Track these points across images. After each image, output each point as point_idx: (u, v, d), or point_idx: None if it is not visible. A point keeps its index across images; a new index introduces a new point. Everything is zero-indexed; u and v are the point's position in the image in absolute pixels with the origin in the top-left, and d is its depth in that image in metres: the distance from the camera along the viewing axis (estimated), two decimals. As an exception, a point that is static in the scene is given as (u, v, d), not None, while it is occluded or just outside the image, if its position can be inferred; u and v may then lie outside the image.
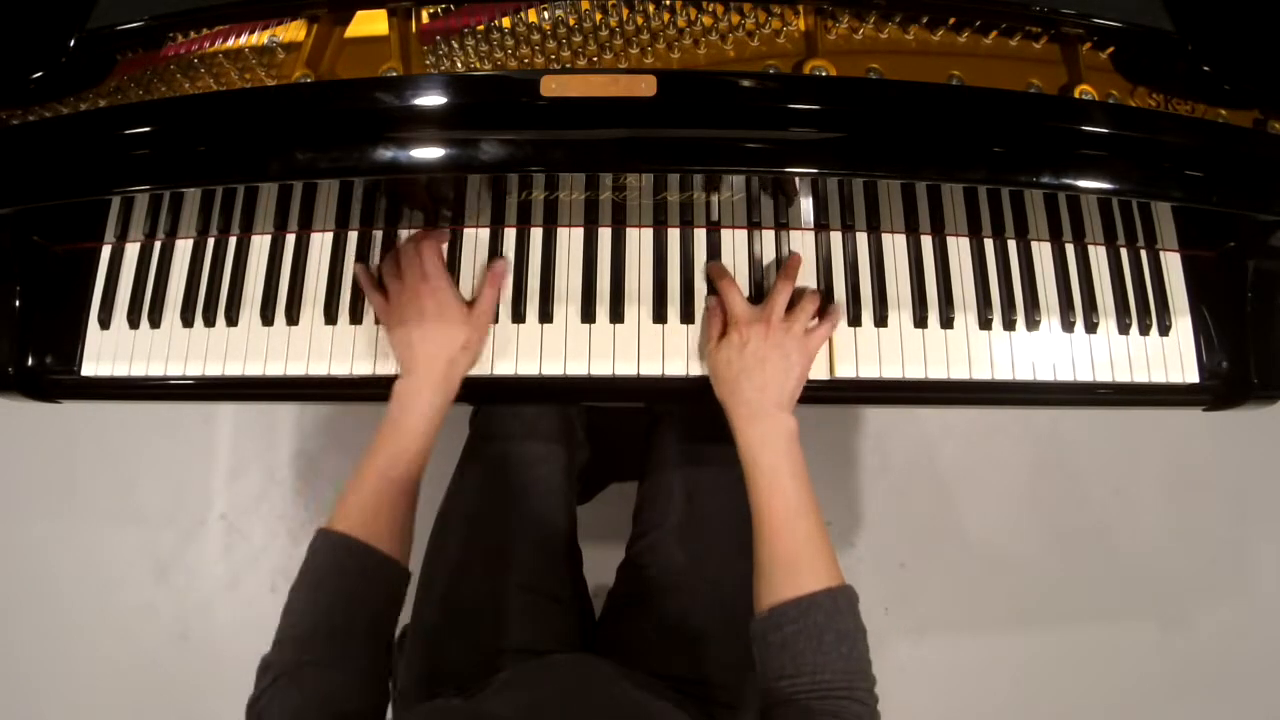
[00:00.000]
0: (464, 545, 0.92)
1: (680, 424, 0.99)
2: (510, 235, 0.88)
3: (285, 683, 0.65)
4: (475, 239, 0.88)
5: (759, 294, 0.85)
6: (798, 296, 0.83)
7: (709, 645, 0.86)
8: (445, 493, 0.98)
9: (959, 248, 0.87)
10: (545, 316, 0.85)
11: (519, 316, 0.85)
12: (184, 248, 0.90)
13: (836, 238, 0.87)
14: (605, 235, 0.87)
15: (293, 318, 0.87)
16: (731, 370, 0.77)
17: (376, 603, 0.71)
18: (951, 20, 0.79)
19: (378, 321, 0.86)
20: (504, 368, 0.84)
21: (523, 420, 0.98)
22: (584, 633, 0.93)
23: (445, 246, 0.86)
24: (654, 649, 0.87)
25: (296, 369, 0.86)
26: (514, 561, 0.90)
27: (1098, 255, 0.88)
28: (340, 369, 0.86)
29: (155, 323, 0.88)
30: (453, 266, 0.86)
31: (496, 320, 0.85)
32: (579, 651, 0.90)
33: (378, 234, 0.89)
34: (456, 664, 0.85)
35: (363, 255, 0.88)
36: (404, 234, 0.89)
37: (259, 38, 0.82)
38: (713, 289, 0.85)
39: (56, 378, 0.89)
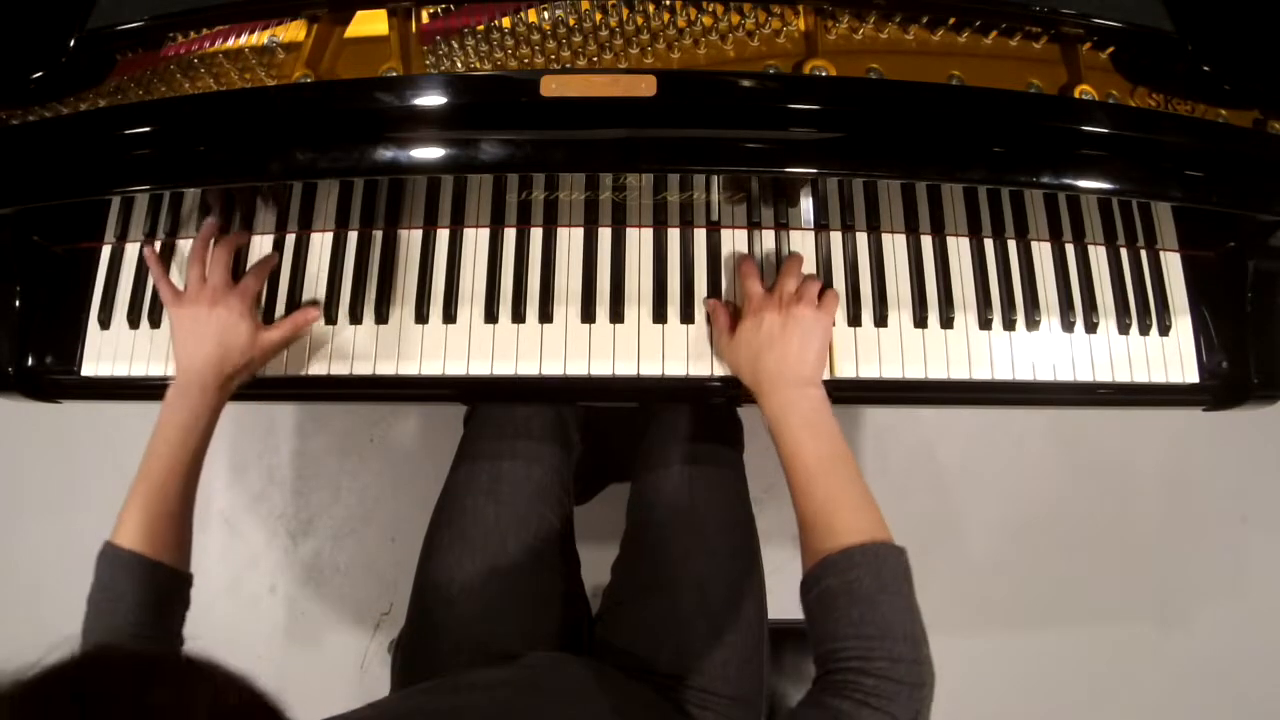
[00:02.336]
0: (458, 546, 0.91)
1: (672, 423, 0.99)
2: (510, 235, 0.88)
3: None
4: (475, 239, 0.88)
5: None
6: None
7: (695, 644, 0.86)
8: (440, 493, 0.98)
9: (959, 248, 0.87)
10: (545, 316, 0.85)
11: (519, 316, 0.85)
12: (184, 248, 0.90)
13: (836, 238, 0.87)
14: (605, 235, 0.87)
15: (293, 318, 0.87)
16: (751, 348, 0.77)
17: (167, 612, 0.72)
18: (951, 20, 0.79)
19: (377, 321, 0.86)
20: (504, 368, 0.84)
21: (516, 420, 0.98)
22: (580, 633, 0.93)
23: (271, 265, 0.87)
24: (643, 646, 0.87)
25: (296, 369, 0.86)
26: (508, 562, 0.90)
27: (1098, 255, 0.88)
28: (340, 369, 0.86)
29: (155, 323, 0.88)
30: (452, 266, 0.86)
31: (496, 321, 0.85)
32: (573, 653, 0.90)
33: (378, 234, 0.89)
34: (449, 667, 0.85)
35: (363, 254, 0.88)
36: (404, 234, 0.89)
37: (259, 38, 0.82)
38: (711, 293, 0.85)
39: (56, 378, 0.89)
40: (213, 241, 0.86)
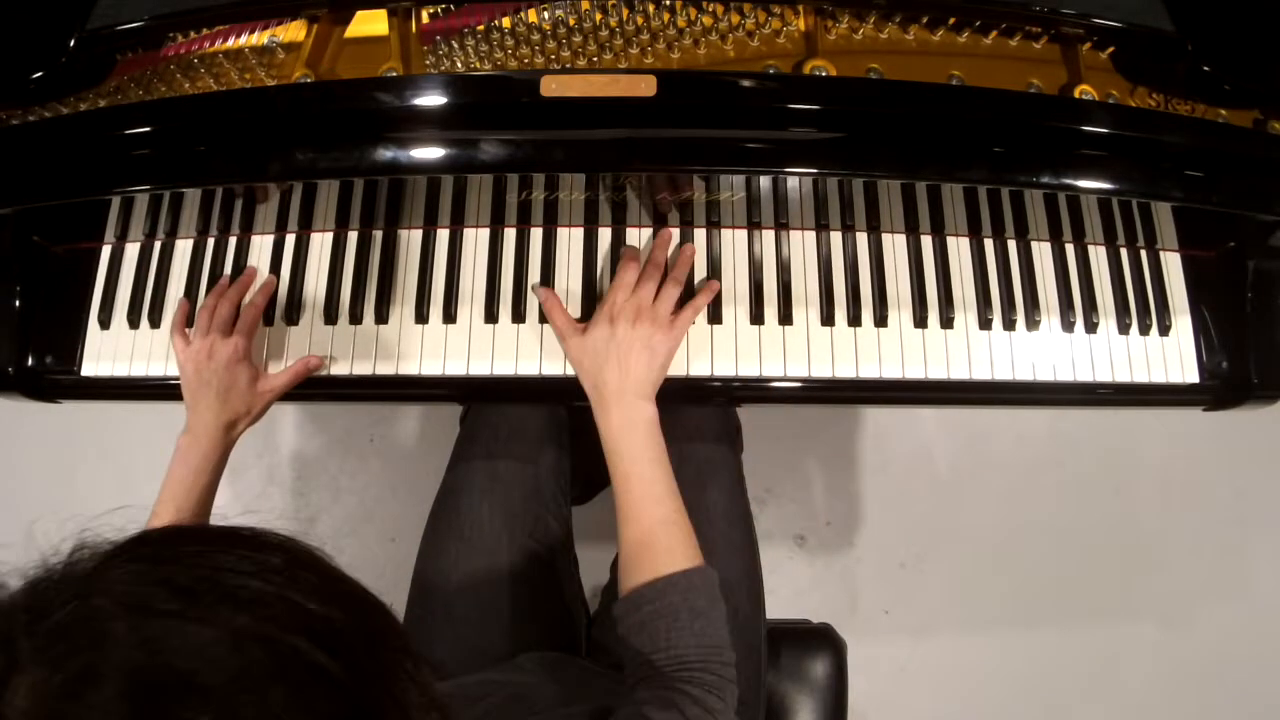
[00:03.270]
0: (455, 547, 0.91)
1: (673, 423, 0.99)
2: (510, 235, 0.88)
3: None
4: (475, 239, 0.88)
5: (758, 293, 0.85)
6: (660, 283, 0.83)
7: None
8: (437, 493, 0.98)
9: (959, 248, 0.87)
10: (546, 317, 0.85)
11: (519, 316, 0.85)
12: (184, 248, 0.90)
13: (836, 238, 0.87)
14: (605, 235, 0.87)
15: (292, 318, 0.87)
16: (597, 359, 0.78)
17: None
18: (951, 20, 0.79)
19: (376, 321, 0.86)
20: (504, 368, 0.84)
21: (513, 421, 0.97)
22: (578, 633, 0.93)
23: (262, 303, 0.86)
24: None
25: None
26: (505, 563, 0.90)
27: (1098, 255, 0.88)
28: (340, 369, 0.86)
29: (155, 323, 0.88)
30: (452, 266, 0.86)
31: (496, 321, 0.85)
32: (571, 653, 0.90)
33: (378, 234, 0.89)
34: (449, 666, 0.85)
35: (363, 254, 0.88)
36: (404, 234, 0.89)
37: (259, 38, 0.82)
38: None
39: (56, 378, 0.89)
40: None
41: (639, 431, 0.76)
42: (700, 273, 0.86)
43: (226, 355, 0.81)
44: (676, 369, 0.83)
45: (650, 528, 0.72)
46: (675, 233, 0.86)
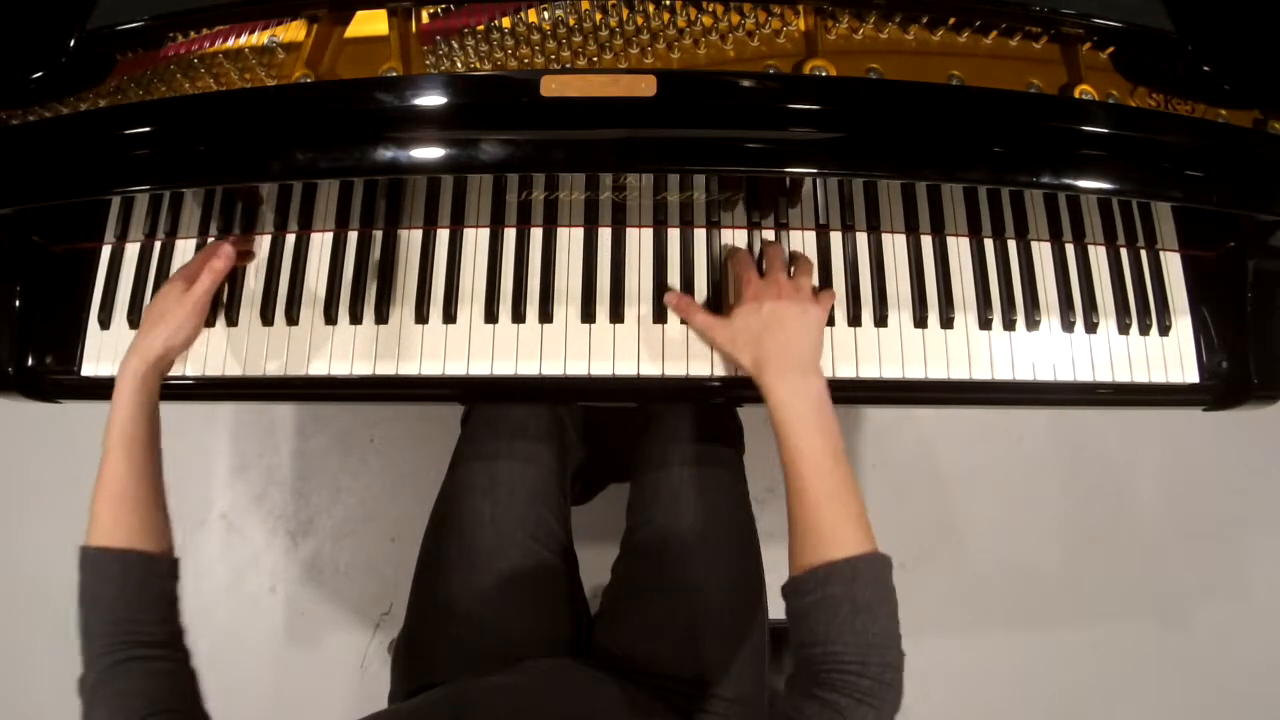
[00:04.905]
0: (455, 546, 0.92)
1: (672, 423, 0.99)
2: (510, 235, 0.88)
3: (102, 693, 0.65)
4: (475, 239, 0.88)
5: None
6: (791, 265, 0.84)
7: (697, 645, 0.86)
8: (437, 494, 0.98)
9: (959, 248, 0.87)
10: (545, 316, 0.85)
11: (519, 316, 0.85)
12: (184, 248, 0.90)
13: (836, 238, 0.87)
14: (605, 235, 0.87)
15: (293, 318, 0.87)
16: (752, 331, 0.77)
17: (151, 599, 0.70)
18: (951, 20, 0.79)
19: (377, 321, 0.86)
20: (504, 368, 0.84)
21: (513, 421, 0.98)
22: (578, 634, 0.93)
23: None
24: (644, 648, 0.87)
25: (296, 369, 0.86)
26: (506, 563, 0.90)
27: (1098, 255, 0.88)
28: (340, 369, 0.85)
29: (155, 323, 0.88)
30: (452, 266, 0.86)
31: (497, 321, 0.85)
32: (572, 653, 0.90)
33: (378, 234, 0.89)
34: (447, 669, 0.85)
35: (363, 255, 0.88)
36: (404, 234, 0.89)
37: (259, 38, 0.82)
38: (713, 293, 0.85)
39: (56, 378, 0.89)
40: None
41: (809, 399, 0.72)
42: (701, 273, 0.86)
43: (167, 291, 0.81)
44: (679, 370, 0.83)
45: (817, 502, 0.67)
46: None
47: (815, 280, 0.85)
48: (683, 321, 0.84)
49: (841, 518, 0.67)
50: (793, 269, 0.83)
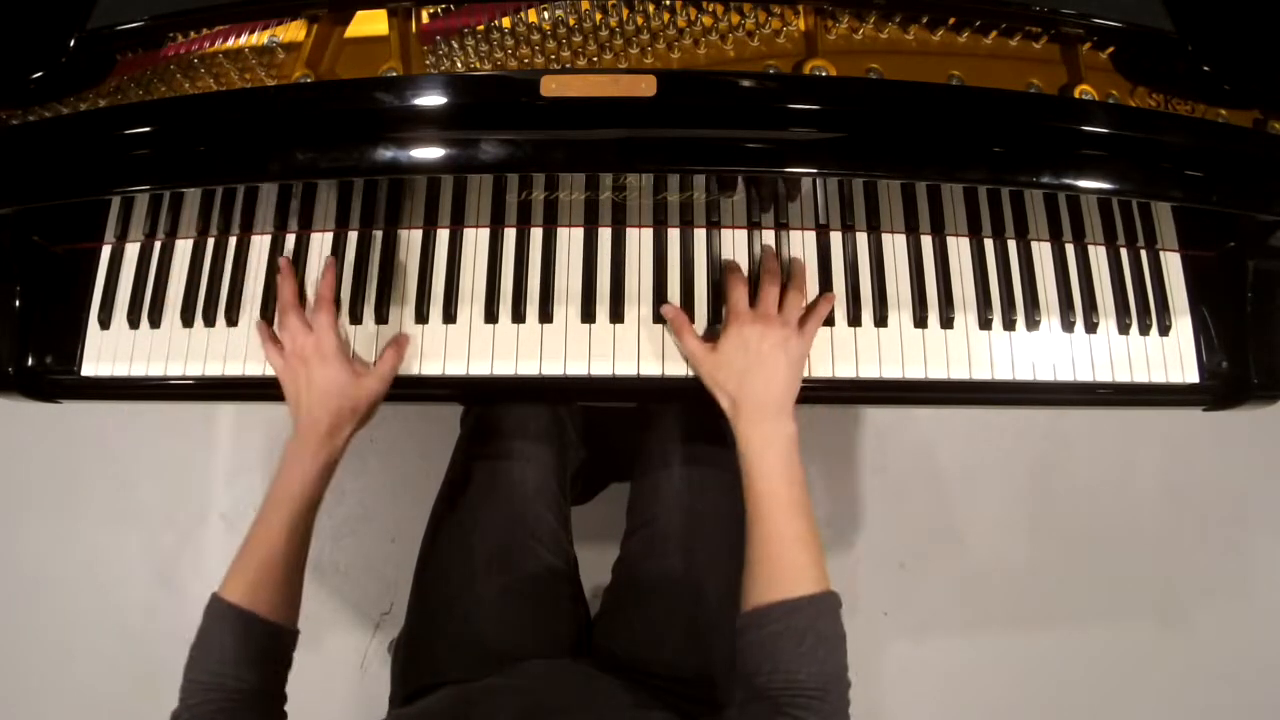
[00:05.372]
0: (455, 547, 0.92)
1: (673, 423, 0.99)
2: (510, 235, 0.88)
3: None
4: (475, 239, 0.88)
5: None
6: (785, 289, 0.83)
7: (697, 645, 0.86)
8: (438, 494, 0.98)
9: (959, 248, 0.87)
10: (545, 316, 0.85)
11: (519, 316, 0.85)
12: (184, 248, 0.90)
13: (836, 238, 0.87)
14: (605, 235, 0.87)
15: (293, 318, 0.87)
16: (735, 368, 0.77)
17: (265, 664, 0.72)
18: (951, 20, 0.79)
19: (377, 321, 0.86)
20: (504, 368, 0.84)
21: (513, 421, 0.98)
22: (578, 634, 0.93)
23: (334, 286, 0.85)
24: (644, 648, 0.87)
25: (296, 369, 0.86)
26: (505, 563, 0.90)
27: (1098, 255, 0.88)
28: (340, 369, 0.85)
29: (155, 323, 0.88)
30: (452, 266, 0.86)
31: (497, 321, 0.85)
32: (573, 654, 0.90)
33: (378, 234, 0.89)
34: (447, 669, 0.85)
35: (363, 255, 0.88)
36: (404, 235, 0.89)
37: (259, 38, 0.82)
38: (711, 292, 0.85)
39: (56, 378, 0.89)
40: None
41: (780, 448, 0.74)
42: (700, 273, 0.86)
43: (310, 348, 0.79)
44: (679, 370, 0.83)
45: (783, 545, 0.71)
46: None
47: (815, 285, 0.85)
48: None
49: (806, 560, 0.70)
50: (786, 292, 0.82)
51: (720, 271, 0.85)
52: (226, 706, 0.67)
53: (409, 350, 0.84)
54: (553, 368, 0.84)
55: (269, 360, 0.83)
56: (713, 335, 0.84)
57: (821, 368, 0.84)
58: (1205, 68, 0.77)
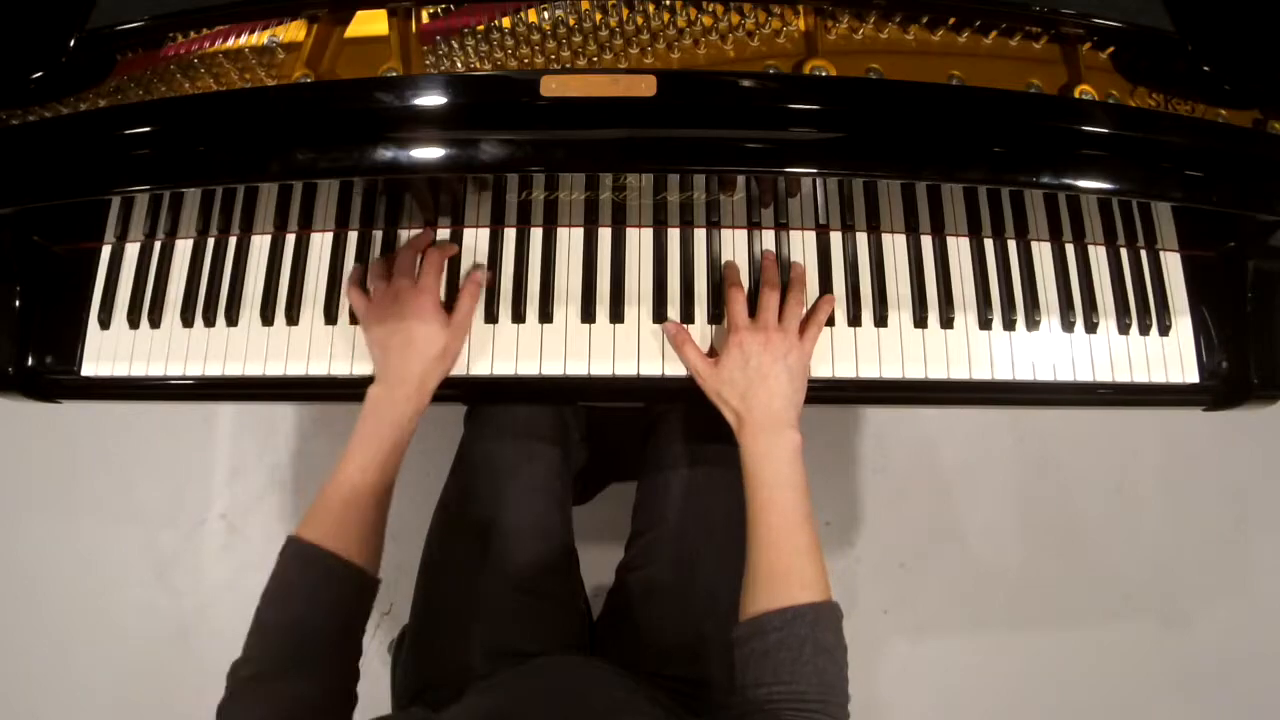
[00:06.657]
0: (458, 546, 0.92)
1: (679, 424, 0.99)
2: (510, 235, 0.88)
3: (253, 692, 0.64)
4: (475, 239, 0.88)
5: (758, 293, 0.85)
6: (784, 297, 0.83)
7: (704, 646, 0.86)
8: (440, 494, 0.98)
9: (959, 248, 0.87)
10: (545, 316, 0.85)
11: (519, 316, 0.85)
12: (184, 248, 0.90)
13: (836, 238, 0.87)
14: (605, 235, 0.87)
15: (293, 318, 0.87)
16: (738, 385, 0.77)
17: (345, 612, 0.70)
18: (951, 20, 0.79)
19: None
20: (504, 368, 0.84)
21: (516, 420, 0.98)
22: (581, 634, 0.93)
23: (448, 258, 0.86)
24: (650, 649, 0.87)
25: (296, 369, 0.86)
26: (508, 562, 0.90)
27: (1098, 255, 0.88)
28: (340, 369, 0.86)
29: (155, 323, 0.88)
30: (452, 267, 0.86)
31: (497, 321, 0.85)
32: (573, 653, 0.90)
33: (377, 234, 0.89)
34: (450, 666, 0.85)
35: (363, 255, 0.88)
36: (404, 235, 0.89)
37: (259, 38, 0.82)
38: (711, 292, 0.85)
39: (56, 378, 0.89)
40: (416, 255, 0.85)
41: (783, 459, 0.74)
42: (700, 273, 0.86)
43: (431, 296, 0.79)
44: (679, 370, 0.83)
45: (786, 555, 0.71)
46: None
47: (815, 285, 0.85)
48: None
49: (807, 570, 0.70)
50: (786, 300, 0.82)
51: (720, 273, 0.85)
52: (300, 673, 0.65)
53: None
54: (553, 368, 0.84)
55: (354, 305, 0.84)
56: (714, 332, 0.84)
57: (822, 368, 0.84)
58: (1205, 68, 0.77)
